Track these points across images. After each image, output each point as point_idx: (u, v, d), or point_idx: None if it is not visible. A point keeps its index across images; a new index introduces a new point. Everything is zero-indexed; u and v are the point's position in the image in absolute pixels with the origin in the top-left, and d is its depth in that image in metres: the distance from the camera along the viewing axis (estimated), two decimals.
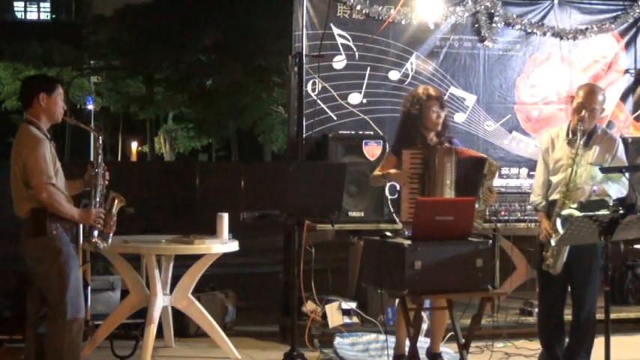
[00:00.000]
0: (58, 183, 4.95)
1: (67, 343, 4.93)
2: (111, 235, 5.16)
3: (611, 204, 5.60)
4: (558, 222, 5.36)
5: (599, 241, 4.82)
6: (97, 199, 5.08)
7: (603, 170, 5.55)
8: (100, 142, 5.24)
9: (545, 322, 5.82)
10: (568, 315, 5.75)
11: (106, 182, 5.14)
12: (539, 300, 5.96)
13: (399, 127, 5.94)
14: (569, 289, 5.71)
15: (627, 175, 5.42)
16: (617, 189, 5.57)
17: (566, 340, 5.75)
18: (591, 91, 5.60)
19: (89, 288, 6.47)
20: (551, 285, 5.67)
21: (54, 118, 5.09)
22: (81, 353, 5.13)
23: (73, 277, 4.94)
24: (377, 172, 5.87)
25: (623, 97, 7.96)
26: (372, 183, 6.09)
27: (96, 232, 5.08)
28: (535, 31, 7.64)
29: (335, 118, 7.14)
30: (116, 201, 5.15)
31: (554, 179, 5.65)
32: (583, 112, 5.51)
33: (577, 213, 5.26)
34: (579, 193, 5.45)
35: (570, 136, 5.61)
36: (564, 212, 5.37)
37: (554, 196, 5.61)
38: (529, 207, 6.66)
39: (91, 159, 5.32)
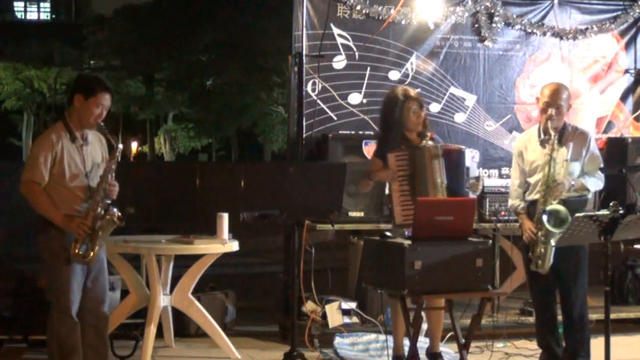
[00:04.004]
0: (67, 184, 4.89)
1: (55, 340, 4.94)
2: (94, 251, 4.92)
3: (589, 197, 5.77)
4: (544, 218, 5.40)
5: (599, 241, 4.83)
6: (93, 210, 4.90)
7: (603, 170, 5.65)
8: (117, 155, 5.04)
9: (539, 321, 5.85)
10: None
11: (110, 194, 4.96)
12: (532, 300, 6.01)
13: (380, 130, 5.95)
14: (558, 288, 5.74)
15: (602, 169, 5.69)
16: (594, 182, 5.70)
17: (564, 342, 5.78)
18: (555, 89, 5.69)
19: None
20: (541, 285, 5.72)
21: (84, 124, 4.98)
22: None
23: (63, 280, 4.88)
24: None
25: (623, 97, 7.97)
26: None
27: (82, 245, 4.88)
28: (535, 31, 7.64)
29: (335, 118, 7.14)
30: (109, 218, 4.92)
31: (532, 180, 5.72)
32: (550, 111, 5.60)
33: (562, 207, 5.36)
34: (560, 189, 5.51)
35: (542, 136, 5.68)
36: (549, 207, 5.41)
37: (534, 196, 5.67)
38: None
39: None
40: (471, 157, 5.85)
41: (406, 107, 5.72)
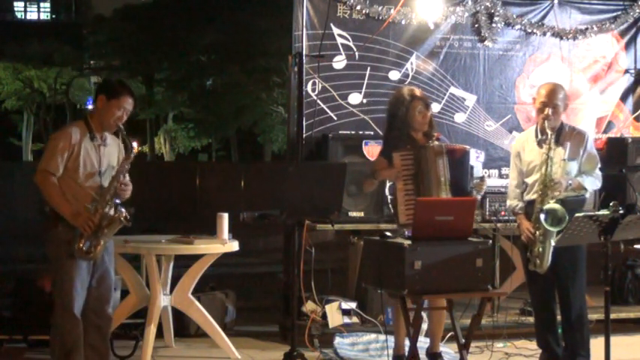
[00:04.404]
0: (80, 179, 4.94)
1: (58, 340, 4.97)
2: (97, 248, 4.95)
3: (587, 197, 5.81)
4: (542, 217, 5.41)
5: (599, 241, 4.84)
6: (102, 207, 4.94)
7: (602, 170, 5.67)
8: (131, 155, 5.09)
9: (538, 321, 5.85)
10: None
11: (122, 194, 5.01)
12: (531, 300, 6.02)
13: (386, 130, 5.96)
14: (557, 288, 5.75)
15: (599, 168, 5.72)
16: (591, 181, 5.72)
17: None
18: (552, 89, 5.70)
19: None
20: (539, 284, 5.73)
21: (104, 124, 5.06)
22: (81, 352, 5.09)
23: (66, 276, 4.91)
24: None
25: (623, 97, 7.97)
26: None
27: (86, 241, 4.91)
28: (535, 31, 7.64)
29: (335, 118, 7.14)
30: (116, 217, 4.96)
31: (529, 180, 5.74)
32: (547, 111, 5.61)
33: (559, 206, 5.37)
34: (557, 188, 5.52)
35: (539, 136, 5.69)
36: (546, 206, 5.42)
37: (532, 196, 5.68)
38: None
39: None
40: (476, 157, 5.86)
41: (412, 107, 5.73)
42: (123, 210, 5.00)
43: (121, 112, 5.05)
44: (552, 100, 5.63)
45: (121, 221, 4.99)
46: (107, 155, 5.09)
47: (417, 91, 5.87)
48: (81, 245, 4.91)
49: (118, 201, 5.02)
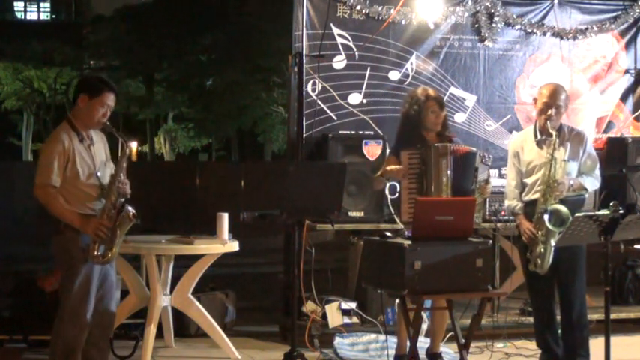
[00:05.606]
0: (81, 184, 4.90)
1: (60, 343, 4.92)
2: (112, 251, 4.91)
3: (586, 197, 5.84)
4: (545, 217, 5.41)
5: (599, 241, 4.84)
6: (108, 210, 4.89)
7: (602, 170, 5.69)
8: (127, 152, 5.03)
9: (538, 322, 5.85)
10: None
11: (125, 193, 4.97)
12: (530, 300, 6.01)
13: (399, 129, 5.97)
14: (557, 288, 5.75)
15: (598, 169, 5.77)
16: (591, 182, 5.75)
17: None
18: (554, 90, 5.70)
19: None
20: (539, 285, 5.73)
21: (89, 124, 5.00)
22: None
23: (77, 282, 4.86)
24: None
25: (623, 97, 7.97)
26: (375, 187, 6.17)
27: (100, 246, 4.86)
28: (535, 31, 7.64)
29: (335, 118, 7.14)
30: (124, 217, 4.91)
31: (529, 181, 5.73)
32: (550, 111, 5.62)
33: (563, 207, 5.38)
34: (560, 188, 5.53)
35: (539, 137, 5.69)
36: (551, 207, 5.42)
37: (533, 196, 5.68)
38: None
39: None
40: (482, 160, 5.83)
41: (426, 107, 5.75)
42: (130, 208, 4.95)
43: (104, 110, 5.00)
44: (555, 100, 5.63)
45: (131, 219, 4.96)
46: (97, 153, 5.04)
47: (431, 91, 5.89)
48: (96, 252, 4.87)
49: (122, 200, 4.98)
